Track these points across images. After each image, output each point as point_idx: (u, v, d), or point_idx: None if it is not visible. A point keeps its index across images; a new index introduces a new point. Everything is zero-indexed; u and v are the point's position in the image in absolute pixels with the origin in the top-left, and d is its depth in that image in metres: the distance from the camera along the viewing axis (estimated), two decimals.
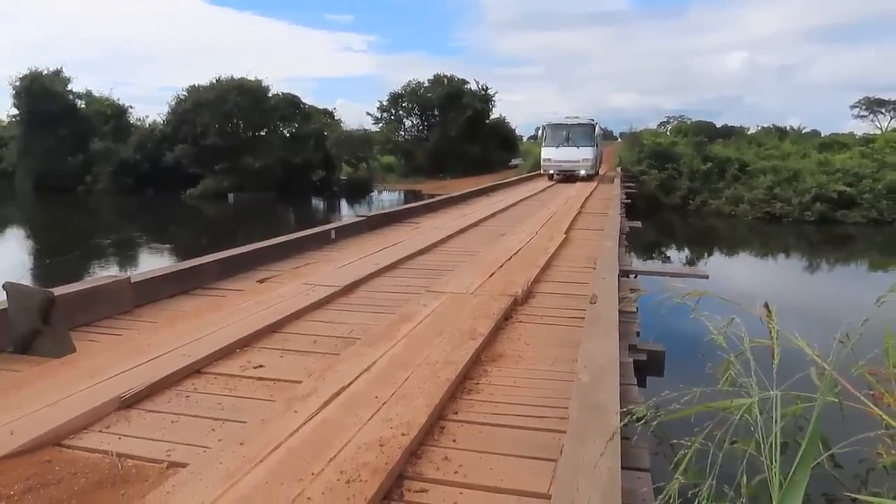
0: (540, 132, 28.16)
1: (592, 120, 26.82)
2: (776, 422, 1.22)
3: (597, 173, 27.59)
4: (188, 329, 4.48)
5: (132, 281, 5.26)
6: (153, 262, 16.13)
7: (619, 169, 30.41)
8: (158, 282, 5.61)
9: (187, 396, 3.42)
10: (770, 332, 1.53)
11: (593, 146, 25.58)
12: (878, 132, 51.68)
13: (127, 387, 3.35)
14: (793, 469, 0.98)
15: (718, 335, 1.62)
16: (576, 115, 28.07)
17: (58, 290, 4.39)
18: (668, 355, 5.47)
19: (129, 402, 3.26)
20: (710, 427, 1.59)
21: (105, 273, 13.45)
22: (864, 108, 68.63)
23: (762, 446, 1.24)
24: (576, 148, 25.23)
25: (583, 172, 25.05)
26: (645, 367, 5.08)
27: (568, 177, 25.54)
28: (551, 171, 25.98)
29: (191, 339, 4.21)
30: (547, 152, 26.33)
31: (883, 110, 67.39)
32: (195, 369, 3.77)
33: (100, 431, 2.99)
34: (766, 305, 1.65)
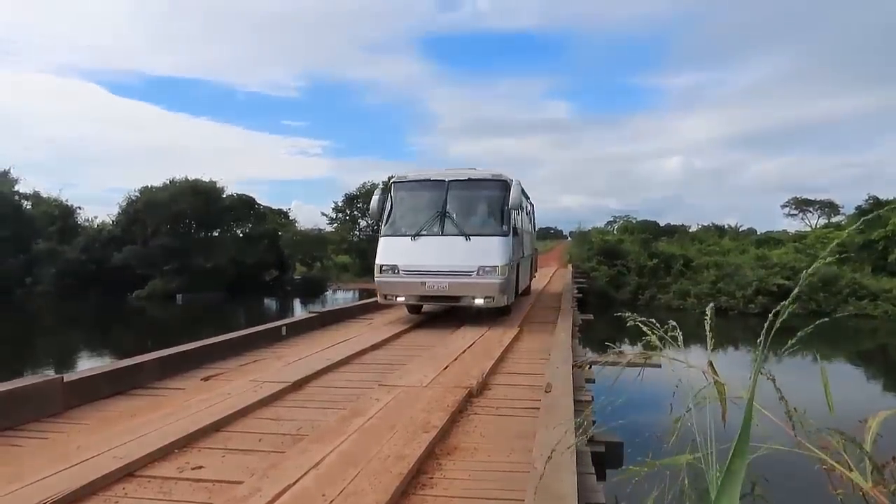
0: (375, 202, 10.72)
1: (506, 178, 10.59)
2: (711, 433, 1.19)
3: (524, 293, 13.84)
4: (123, 430, 4.20)
5: (65, 381, 4.95)
6: (90, 366, 15.31)
7: (570, 266, 31.12)
8: (94, 381, 5.30)
9: (116, 503, 3.15)
10: (716, 387, 1.54)
11: (505, 234, 10.09)
12: (809, 229, 54.98)
13: (48, 494, 3.07)
14: (729, 457, 0.94)
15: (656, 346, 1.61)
16: (468, 168, 11.15)
17: None
18: (627, 448, 5.39)
19: None
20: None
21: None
22: (793, 207, 73.17)
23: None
24: (461, 239, 9.93)
25: (479, 301, 9.82)
26: (604, 459, 4.98)
27: (447, 308, 11.28)
28: (400, 297, 10.23)
29: (125, 440, 3.94)
30: (390, 249, 10.31)
31: (811, 209, 71.95)
32: (127, 472, 3.49)
33: None
34: (710, 363, 1.67)
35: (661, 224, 59.09)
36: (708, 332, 1.71)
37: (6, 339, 22.43)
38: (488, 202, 10.33)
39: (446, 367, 6.34)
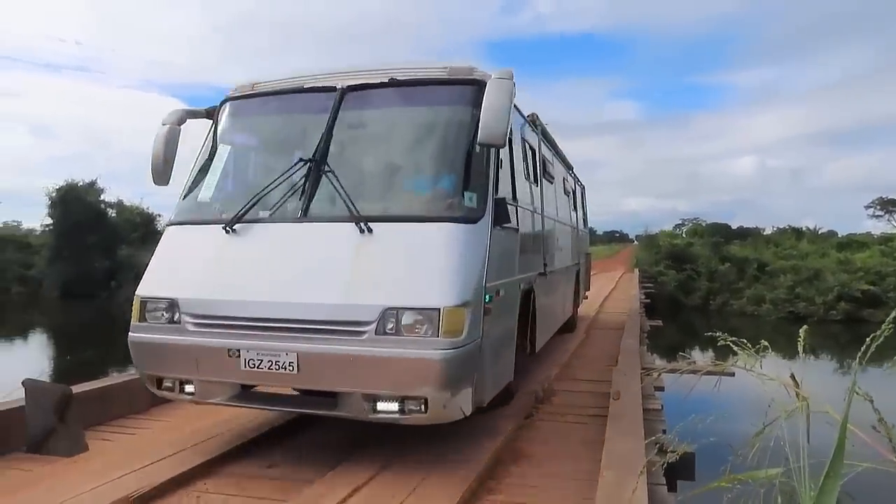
0: (160, 139, 4.29)
1: (478, 75, 3.96)
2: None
3: (565, 328, 8.35)
4: (204, 427, 4.40)
5: None
6: None
7: (636, 271, 30.41)
8: None
9: (198, 497, 3.31)
10: (799, 400, 1.49)
11: (471, 219, 3.69)
12: None
13: (136, 487, 3.26)
14: (822, 476, 0.92)
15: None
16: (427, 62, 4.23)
17: (74, 388, 4.37)
18: (698, 459, 5.22)
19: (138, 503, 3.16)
20: None
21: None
22: (878, 208, 68.61)
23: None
24: (349, 232, 3.62)
25: (386, 408, 3.39)
26: (674, 470, 4.84)
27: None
28: (189, 385, 3.78)
29: (205, 437, 4.13)
30: (171, 261, 4.12)
31: None
32: (209, 469, 3.66)
33: None
34: (793, 376, 1.62)
35: (733, 227, 56.87)
36: (800, 350, 1.66)
37: (94, 340, 23.89)
38: (432, 137, 4.26)
39: None
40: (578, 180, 10.49)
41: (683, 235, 44.67)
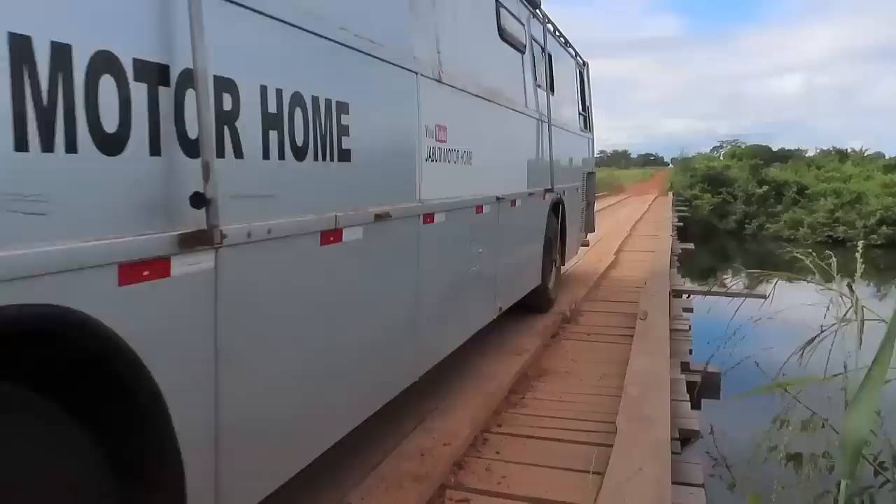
0: None
1: None
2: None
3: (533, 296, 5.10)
4: None
5: None
6: None
7: (670, 194, 29.79)
8: None
9: None
10: (854, 307, 1.47)
11: None
12: None
13: None
14: (872, 362, 0.91)
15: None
16: None
17: None
18: (725, 380, 5.23)
19: None
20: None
21: None
22: None
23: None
24: None
25: None
26: (699, 389, 4.88)
27: None
28: None
29: None
30: None
31: None
32: None
33: None
34: (849, 285, 1.59)
35: (774, 149, 54.87)
36: (858, 261, 1.62)
37: None
38: None
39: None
40: (559, 36, 6.22)
41: (721, 158, 43.39)
